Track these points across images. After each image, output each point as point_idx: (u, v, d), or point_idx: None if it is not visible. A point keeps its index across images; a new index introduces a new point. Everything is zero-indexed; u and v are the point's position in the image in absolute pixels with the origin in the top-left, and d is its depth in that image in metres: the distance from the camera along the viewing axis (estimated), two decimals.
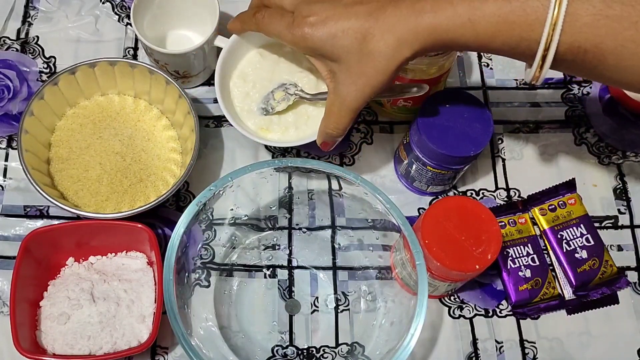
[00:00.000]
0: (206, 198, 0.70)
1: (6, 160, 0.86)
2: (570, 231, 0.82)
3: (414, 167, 0.81)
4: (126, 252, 0.80)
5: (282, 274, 0.82)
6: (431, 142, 0.75)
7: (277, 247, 0.83)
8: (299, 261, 0.82)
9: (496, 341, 0.79)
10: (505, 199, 0.87)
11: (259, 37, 0.77)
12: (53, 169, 0.83)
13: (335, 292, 0.81)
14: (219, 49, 0.85)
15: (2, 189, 0.84)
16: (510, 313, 0.81)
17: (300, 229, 0.84)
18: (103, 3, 0.95)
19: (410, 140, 0.78)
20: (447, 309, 0.81)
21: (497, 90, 0.93)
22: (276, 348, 0.78)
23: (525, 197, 0.85)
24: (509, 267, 0.80)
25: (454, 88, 0.92)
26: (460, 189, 0.87)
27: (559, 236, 0.82)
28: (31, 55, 0.92)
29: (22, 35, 0.93)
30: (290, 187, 0.85)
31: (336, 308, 0.80)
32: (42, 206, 0.83)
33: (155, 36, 0.90)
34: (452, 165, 0.77)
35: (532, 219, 0.84)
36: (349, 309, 0.80)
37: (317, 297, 0.81)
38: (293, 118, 0.78)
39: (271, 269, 0.82)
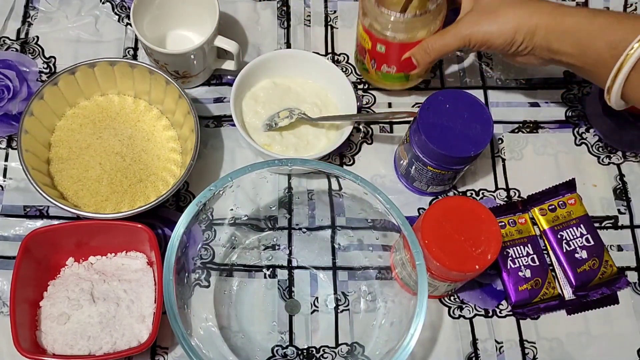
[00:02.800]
0: (206, 198, 0.71)
1: (6, 160, 0.86)
2: (570, 231, 0.82)
3: (414, 167, 0.81)
4: (126, 252, 0.80)
5: (282, 274, 0.82)
6: (431, 143, 0.75)
7: (277, 247, 0.83)
8: (299, 261, 0.83)
9: (496, 341, 0.79)
10: (505, 199, 0.87)
11: (274, 70, 0.88)
12: (53, 169, 0.83)
13: (335, 292, 0.81)
14: (219, 49, 0.87)
15: (2, 189, 0.84)
16: (510, 313, 0.81)
17: (300, 229, 0.84)
18: (103, 3, 0.95)
19: (411, 140, 0.79)
20: (447, 309, 0.81)
21: (497, 90, 0.93)
22: (276, 348, 0.78)
23: (525, 198, 0.86)
24: (508, 267, 0.80)
25: (454, 88, 0.92)
26: (460, 189, 0.87)
27: (558, 236, 0.82)
28: (31, 56, 0.92)
29: (22, 36, 0.93)
30: (290, 187, 0.85)
31: (336, 308, 0.80)
32: (42, 206, 0.84)
33: (155, 36, 0.90)
34: (452, 166, 0.78)
35: (532, 219, 0.85)
36: (348, 309, 0.80)
37: (317, 297, 0.81)
38: (294, 140, 0.85)
39: (271, 269, 0.82)
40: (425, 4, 0.82)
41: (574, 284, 0.80)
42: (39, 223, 0.83)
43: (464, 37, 0.76)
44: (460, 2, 0.80)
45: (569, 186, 0.85)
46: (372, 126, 0.90)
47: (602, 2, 0.98)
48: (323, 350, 0.78)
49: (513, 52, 0.76)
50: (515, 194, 0.87)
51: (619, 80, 0.67)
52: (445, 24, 0.80)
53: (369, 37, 0.82)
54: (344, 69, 0.92)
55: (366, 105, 0.92)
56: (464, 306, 0.81)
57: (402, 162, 0.84)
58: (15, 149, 0.86)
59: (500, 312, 0.81)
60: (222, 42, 0.85)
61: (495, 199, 0.87)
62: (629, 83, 0.67)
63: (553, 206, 0.84)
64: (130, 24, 0.87)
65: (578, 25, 0.70)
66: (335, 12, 0.97)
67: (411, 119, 0.85)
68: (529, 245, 0.81)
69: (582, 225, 0.82)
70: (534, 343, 0.79)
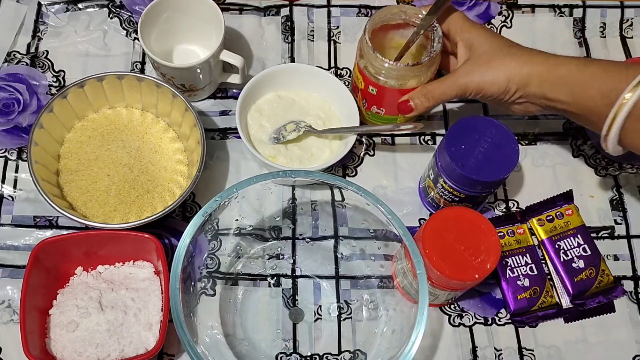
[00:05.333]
0: (212, 209, 0.72)
1: (16, 171, 0.87)
2: (567, 241, 0.83)
3: (443, 199, 0.82)
4: (133, 262, 0.81)
5: (286, 283, 0.83)
6: (466, 173, 0.75)
7: (281, 257, 0.84)
8: (303, 270, 0.84)
9: (495, 349, 0.80)
10: (504, 210, 0.88)
11: (279, 83, 0.89)
12: (62, 180, 0.84)
13: (338, 301, 0.82)
14: (225, 63, 0.88)
15: (13, 199, 0.86)
16: (509, 321, 0.82)
17: (303, 239, 0.85)
18: (111, 18, 0.97)
19: (438, 169, 0.79)
20: (447, 317, 0.82)
21: None
22: (280, 355, 0.79)
23: (524, 208, 0.87)
24: (507, 276, 0.81)
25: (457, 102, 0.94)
26: None
27: (556, 246, 0.83)
28: (41, 69, 0.93)
29: (32, 50, 0.94)
30: (294, 198, 0.86)
31: (339, 316, 0.81)
32: (51, 216, 0.85)
33: (162, 50, 0.91)
34: (483, 190, 0.79)
35: (530, 229, 0.85)
36: (351, 317, 0.81)
37: (320, 306, 0.82)
38: (299, 152, 0.86)
39: (275, 278, 0.83)
40: (419, 57, 0.87)
41: (572, 292, 0.81)
42: (48, 233, 0.84)
43: (461, 86, 0.78)
44: (456, 53, 0.82)
45: (567, 197, 0.86)
46: (374, 138, 0.92)
47: (599, 18, 1.00)
48: (326, 357, 0.79)
49: (508, 100, 0.77)
50: (513, 205, 0.88)
51: (614, 129, 0.68)
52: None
53: (362, 78, 0.84)
54: (347, 83, 0.94)
55: None
56: (463, 314, 0.82)
57: (431, 193, 0.85)
58: (26, 160, 0.87)
59: (499, 320, 0.82)
60: (227, 56, 0.86)
61: (494, 209, 0.88)
62: (625, 131, 0.68)
63: (551, 217, 0.85)
64: (138, 39, 0.89)
65: (570, 75, 0.72)
66: (338, 27, 0.98)
67: (416, 131, 0.87)
68: (528, 254, 0.82)
69: (579, 236, 0.83)
70: (532, 351, 0.80)
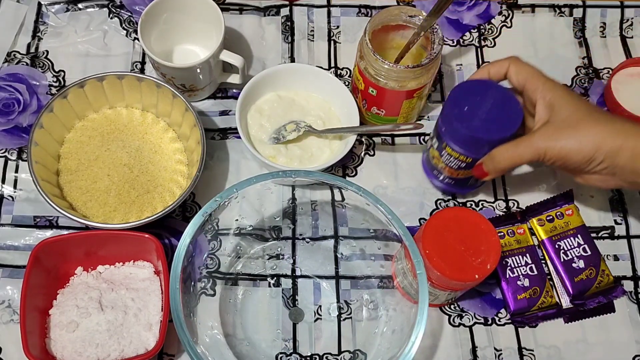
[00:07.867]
0: (212, 209, 0.72)
1: (16, 171, 0.87)
2: (567, 241, 0.83)
3: (449, 167, 0.81)
4: (133, 262, 0.81)
5: (286, 283, 0.83)
6: (472, 132, 0.74)
7: (281, 257, 0.84)
8: (303, 270, 0.84)
9: (495, 349, 0.80)
10: (504, 210, 0.88)
11: (279, 83, 0.89)
12: (62, 180, 0.84)
13: (338, 301, 0.82)
14: (225, 63, 0.88)
15: (13, 199, 0.86)
16: (509, 321, 0.82)
17: (303, 239, 0.85)
18: (111, 18, 0.97)
19: (446, 139, 0.78)
20: (447, 317, 0.82)
21: None
22: (280, 355, 0.79)
23: (524, 208, 0.87)
24: (507, 276, 0.81)
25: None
26: (460, 200, 0.88)
27: (556, 246, 0.83)
28: (41, 69, 0.93)
29: (32, 50, 0.95)
30: (294, 198, 0.86)
31: (339, 316, 0.81)
32: (51, 216, 0.85)
33: (162, 50, 0.91)
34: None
35: (531, 229, 0.86)
36: (351, 317, 0.81)
37: (320, 306, 0.82)
38: (299, 152, 0.86)
39: (275, 278, 0.83)
40: (419, 58, 0.86)
41: (572, 292, 0.81)
42: (48, 233, 0.84)
43: (539, 150, 0.71)
44: (534, 111, 0.75)
45: (567, 197, 0.86)
46: (374, 138, 0.92)
47: (599, 18, 1.00)
48: (326, 357, 0.79)
49: (590, 170, 0.71)
50: (514, 204, 0.88)
51: None
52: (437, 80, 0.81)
53: (362, 79, 0.84)
54: (347, 83, 0.94)
55: None
56: (463, 314, 0.82)
57: (436, 163, 0.83)
58: (26, 160, 0.87)
59: (499, 321, 0.82)
60: (227, 56, 0.86)
61: (494, 209, 0.88)
62: None
63: (551, 217, 0.85)
64: (138, 39, 0.89)
65: None
66: (338, 27, 0.98)
67: (416, 131, 0.87)
68: (528, 255, 0.82)
69: (579, 236, 0.83)
70: (532, 351, 0.80)
